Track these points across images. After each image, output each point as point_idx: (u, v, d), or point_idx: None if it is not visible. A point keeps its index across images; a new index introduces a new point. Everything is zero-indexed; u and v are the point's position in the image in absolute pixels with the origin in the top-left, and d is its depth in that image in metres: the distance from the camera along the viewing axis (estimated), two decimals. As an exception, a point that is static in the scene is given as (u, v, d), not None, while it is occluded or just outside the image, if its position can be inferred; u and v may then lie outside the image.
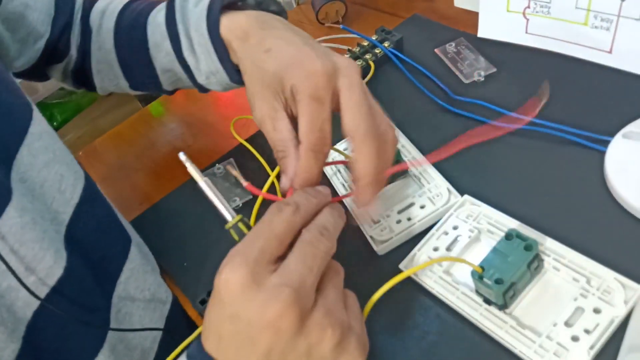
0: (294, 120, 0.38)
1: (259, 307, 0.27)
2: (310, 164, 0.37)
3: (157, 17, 0.48)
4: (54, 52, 0.51)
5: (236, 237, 0.33)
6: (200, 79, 0.48)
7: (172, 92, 0.55)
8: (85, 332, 0.37)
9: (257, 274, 0.28)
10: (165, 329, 0.44)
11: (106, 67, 0.51)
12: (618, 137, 0.46)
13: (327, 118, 0.36)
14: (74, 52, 0.52)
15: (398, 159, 0.48)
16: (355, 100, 0.37)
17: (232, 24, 0.44)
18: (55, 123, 1.45)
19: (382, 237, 0.45)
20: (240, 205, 0.54)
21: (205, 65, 0.46)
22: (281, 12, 0.47)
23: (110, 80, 0.52)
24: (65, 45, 0.51)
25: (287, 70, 0.37)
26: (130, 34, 0.49)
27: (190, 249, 0.52)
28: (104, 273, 0.39)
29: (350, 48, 0.65)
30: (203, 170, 0.58)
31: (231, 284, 0.27)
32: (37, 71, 0.52)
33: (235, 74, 0.45)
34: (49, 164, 0.38)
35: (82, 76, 0.54)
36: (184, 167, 0.62)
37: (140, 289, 0.42)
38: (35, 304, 0.34)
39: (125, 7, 0.50)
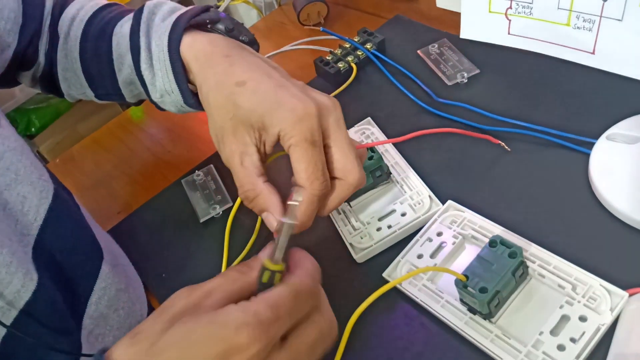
0: (263, 158, 0.38)
1: None
2: (313, 209, 0.36)
3: (123, 28, 0.46)
4: (22, 60, 0.49)
5: (264, 279, 0.31)
6: (155, 97, 0.46)
7: (138, 104, 0.53)
8: (54, 358, 0.35)
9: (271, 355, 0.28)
10: None
11: (72, 76, 0.49)
12: (602, 139, 0.45)
13: (324, 160, 0.36)
14: (42, 59, 0.50)
15: (380, 164, 0.47)
16: (346, 142, 0.36)
17: (194, 43, 0.42)
18: (33, 129, 1.42)
19: (361, 244, 0.44)
20: (220, 213, 0.52)
21: (161, 82, 0.44)
22: (252, 43, 0.45)
23: (77, 88, 0.51)
24: (34, 53, 0.50)
25: (272, 112, 0.35)
26: (96, 44, 0.47)
27: (168, 259, 0.51)
28: (75, 294, 0.38)
29: (332, 50, 0.64)
30: (182, 177, 0.57)
31: (245, 354, 0.27)
32: (6, 78, 0.51)
33: (190, 96, 0.44)
34: (11, 185, 0.36)
35: (49, 83, 0.52)
36: (163, 174, 0.61)
37: (113, 307, 0.40)
38: (1, 331, 0.33)
39: (94, 15, 0.48)
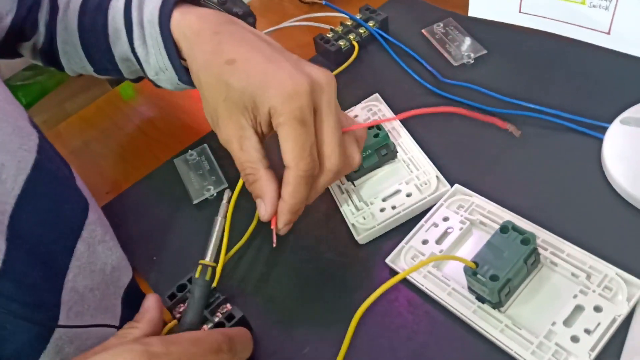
0: (262, 138, 0.37)
1: None
2: (301, 191, 0.35)
3: (119, 1, 0.44)
4: (21, 30, 0.48)
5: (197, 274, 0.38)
6: (150, 74, 0.45)
7: (137, 80, 0.52)
8: (26, 331, 0.33)
9: None
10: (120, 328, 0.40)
11: (72, 49, 0.48)
12: (616, 123, 0.43)
13: (314, 140, 0.34)
14: (42, 29, 0.49)
15: (386, 142, 0.45)
16: (331, 126, 0.35)
17: (183, 19, 0.40)
18: (19, 106, 1.38)
19: (364, 225, 0.42)
20: (215, 194, 0.50)
21: (155, 59, 0.43)
22: (247, 16, 0.44)
23: (77, 62, 0.49)
24: (33, 24, 0.48)
25: (262, 90, 0.34)
26: (94, 17, 0.46)
27: (159, 242, 0.48)
28: (51, 269, 0.36)
29: (332, 27, 0.62)
30: (175, 156, 0.54)
31: None
32: (6, 48, 0.50)
33: (184, 73, 0.42)
34: None
35: (50, 56, 0.51)
36: (154, 153, 0.58)
37: (89, 287, 0.38)
38: None
39: None
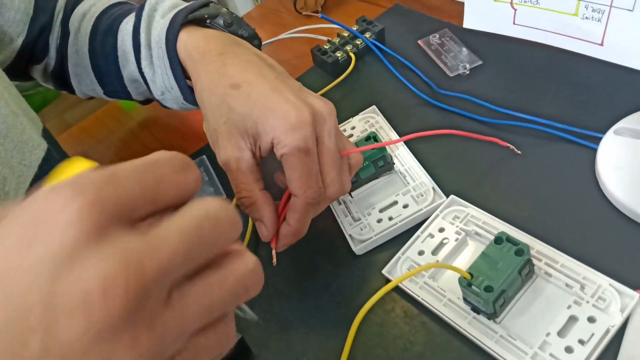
0: (258, 162, 0.38)
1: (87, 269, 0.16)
2: (308, 216, 0.36)
3: (128, 25, 0.46)
4: (31, 52, 0.50)
5: None
6: (156, 94, 0.46)
7: (145, 102, 0.53)
8: None
9: (107, 224, 0.17)
10: None
11: (83, 72, 0.49)
12: (610, 133, 0.44)
13: (318, 168, 0.35)
14: (52, 53, 0.50)
15: (383, 154, 0.45)
16: (331, 155, 0.36)
17: (189, 40, 0.41)
18: (20, 116, 1.38)
19: (361, 236, 0.43)
20: (213, 205, 0.50)
21: (161, 79, 0.44)
22: (252, 38, 0.45)
23: (87, 85, 0.51)
24: (44, 47, 0.50)
25: (265, 119, 0.35)
26: (104, 40, 0.47)
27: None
28: None
29: (329, 39, 0.62)
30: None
31: (60, 224, 0.17)
32: (17, 71, 0.51)
33: (189, 93, 0.44)
34: None
35: (61, 79, 0.52)
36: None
37: None
38: None
39: (104, 12, 0.48)
